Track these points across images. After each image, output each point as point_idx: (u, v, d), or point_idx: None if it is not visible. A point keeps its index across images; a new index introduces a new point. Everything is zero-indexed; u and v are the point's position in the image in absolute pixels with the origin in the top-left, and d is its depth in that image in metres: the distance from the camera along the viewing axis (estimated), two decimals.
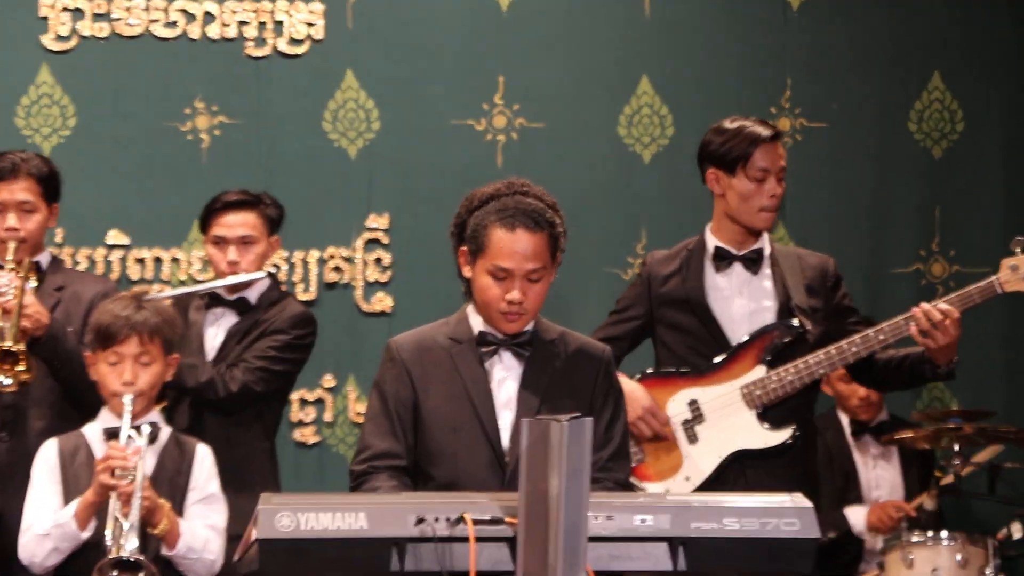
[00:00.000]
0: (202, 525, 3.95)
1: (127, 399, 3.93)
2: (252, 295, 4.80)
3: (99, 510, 3.83)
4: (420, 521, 2.90)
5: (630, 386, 4.32)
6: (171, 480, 3.98)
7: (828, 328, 4.42)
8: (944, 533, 4.91)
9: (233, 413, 4.66)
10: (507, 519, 2.91)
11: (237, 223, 4.74)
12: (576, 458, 2.77)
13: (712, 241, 4.47)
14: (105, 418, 4.03)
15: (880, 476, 5.48)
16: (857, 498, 5.43)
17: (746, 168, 4.35)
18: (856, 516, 5.37)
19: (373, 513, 2.90)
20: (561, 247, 3.53)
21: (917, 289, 5.91)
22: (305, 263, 5.71)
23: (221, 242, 4.75)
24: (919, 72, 6.01)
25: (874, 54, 5.98)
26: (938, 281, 5.97)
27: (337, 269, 5.73)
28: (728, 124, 4.43)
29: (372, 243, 5.76)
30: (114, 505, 3.76)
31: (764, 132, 4.39)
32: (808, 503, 3.04)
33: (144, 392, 3.99)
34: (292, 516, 2.88)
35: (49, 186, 4.57)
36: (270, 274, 4.95)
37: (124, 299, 4.09)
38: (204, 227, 4.82)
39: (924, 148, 6.00)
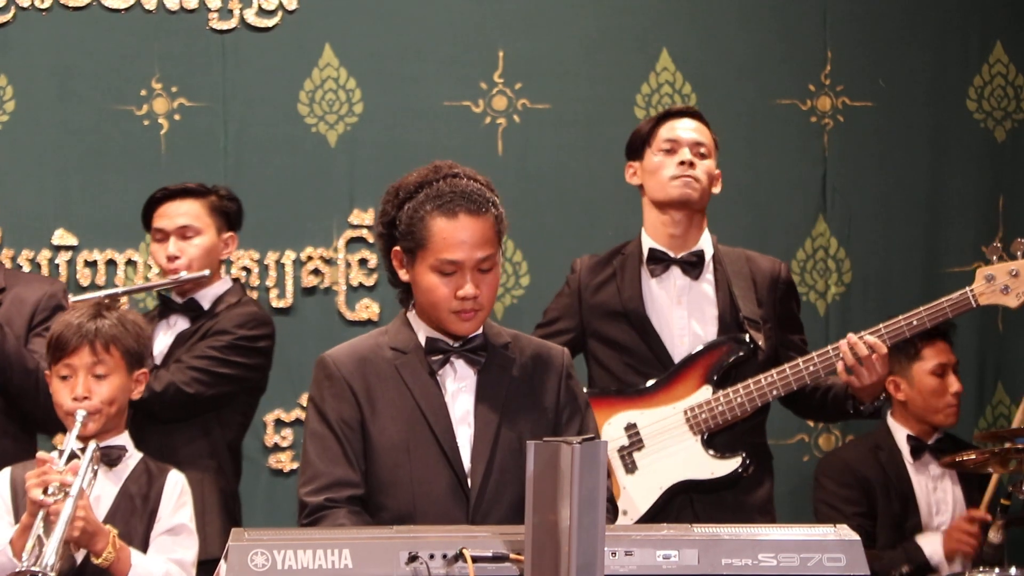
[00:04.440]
0: (164, 559, 3.97)
1: (79, 415, 3.94)
2: (206, 299, 4.84)
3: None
4: (413, 559, 2.92)
5: None
6: (135, 508, 4.00)
7: (775, 342, 4.51)
8: (1013, 571, 4.92)
9: (165, 419, 4.67)
10: (512, 555, 2.93)
11: (176, 212, 4.79)
12: (590, 486, 2.79)
13: (647, 243, 4.56)
14: (67, 441, 4.03)
15: (941, 500, 5.49)
16: (917, 526, 5.44)
17: (651, 145, 4.53)
18: (932, 545, 5.37)
19: (359, 550, 2.92)
20: (503, 231, 3.55)
21: None
22: (280, 265, 5.73)
23: (162, 236, 4.80)
24: (978, 42, 6.03)
25: (926, 22, 6.00)
26: None
27: (316, 272, 5.76)
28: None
29: (356, 242, 5.79)
30: (39, 524, 3.76)
31: (670, 110, 4.61)
32: (854, 535, 3.06)
33: (100, 409, 4.00)
34: (267, 553, 2.90)
35: None
36: (235, 280, 4.97)
37: (83, 307, 4.11)
38: (147, 222, 4.86)
39: (985, 129, 6.02)
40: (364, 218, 5.76)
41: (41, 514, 3.77)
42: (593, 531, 2.80)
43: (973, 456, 5.16)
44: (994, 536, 5.19)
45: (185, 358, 4.69)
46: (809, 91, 5.92)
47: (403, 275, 3.54)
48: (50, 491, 3.78)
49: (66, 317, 4.08)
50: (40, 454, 3.89)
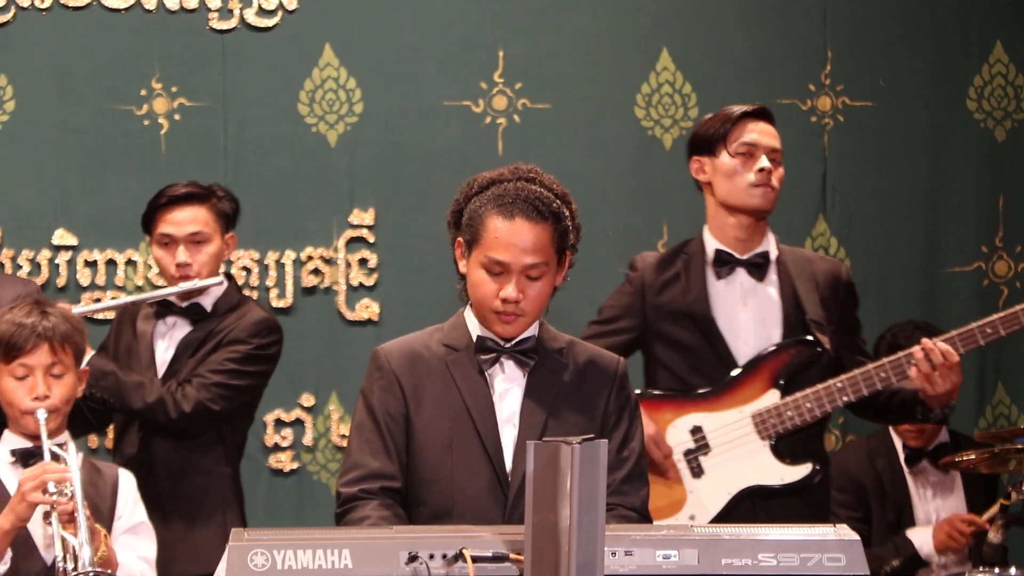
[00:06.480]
0: (135, 556, 3.98)
1: (41, 415, 3.94)
2: (207, 301, 4.83)
3: (12, 540, 3.82)
4: (413, 559, 2.92)
5: None
6: (93, 509, 3.97)
7: (837, 344, 4.48)
8: (1013, 571, 4.92)
9: (188, 436, 4.69)
10: (512, 555, 2.93)
11: (186, 220, 4.78)
12: (589, 485, 2.79)
13: (711, 243, 4.52)
14: (10, 440, 4.04)
15: (940, 507, 5.49)
16: None
17: (726, 145, 4.45)
18: (921, 538, 5.38)
19: (359, 550, 2.92)
20: (571, 244, 3.57)
21: (978, 290, 5.93)
22: (280, 265, 5.73)
23: (168, 242, 4.80)
24: (978, 42, 6.03)
25: (927, 22, 6.00)
26: (1002, 281, 5.99)
27: (316, 272, 5.76)
28: (708, 115, 4.59)
29: (356, 242, 5.79)
30: (57, 528, 3.77)
31: (743, 108, 4.50)
32: (854, 535, 3.06)
33: (59, 408, 4.01)
34: (267, 553, 2.90)
35: None
36: (227, 275, 4.98)
37: (25, 305, 4.09)
38: (148, 226, 4.86)
39: (985, 129, 6.02)
40: (364, 218, 5.77)
41: (54, 517, 3.77)
42: (593, 531, 2.80)
43: (973, 456, 5.16)
44: (994, 536, 5.18)
45: (204, 372, 4.68)
46: (809, 91, 5.92)
47: (461, 266, 3.57)
48: (54, 490, 3.79)
49: (8, 315, 4.04)
50: (46, 461, 3.88)
